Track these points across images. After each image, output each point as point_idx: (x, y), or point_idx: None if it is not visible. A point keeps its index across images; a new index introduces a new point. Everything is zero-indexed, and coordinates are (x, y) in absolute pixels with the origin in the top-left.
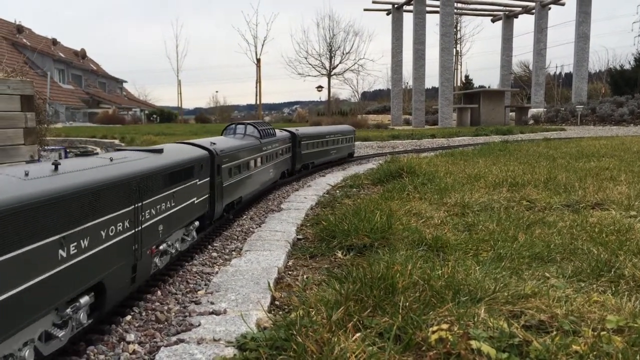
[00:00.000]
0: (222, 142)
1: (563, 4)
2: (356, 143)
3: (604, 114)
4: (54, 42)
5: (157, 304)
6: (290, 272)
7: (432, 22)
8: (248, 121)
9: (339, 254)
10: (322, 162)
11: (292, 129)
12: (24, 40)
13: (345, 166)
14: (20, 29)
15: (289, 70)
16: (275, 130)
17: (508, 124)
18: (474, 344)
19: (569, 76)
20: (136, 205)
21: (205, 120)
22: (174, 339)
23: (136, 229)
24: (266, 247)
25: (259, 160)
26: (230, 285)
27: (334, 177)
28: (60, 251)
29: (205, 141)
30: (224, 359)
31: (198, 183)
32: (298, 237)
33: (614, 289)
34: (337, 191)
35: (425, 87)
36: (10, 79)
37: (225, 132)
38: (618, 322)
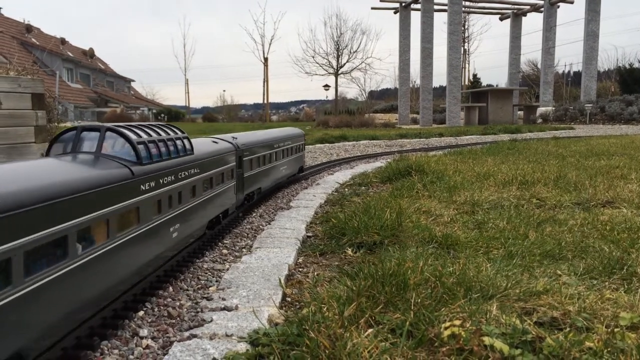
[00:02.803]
0: None
1: (572, 2)
2: (363, 142)
3: (613, 113)
4: (63, 41)
5: (169, 299)
6: (300, 269)
7: (440, 21)
8: (110, 124)
9: (349, 251)
10: (270, 186)
11: (228, 137)
12: (33, 39)
13: (352, 164)
14: (29, 28)
15: (296, 69)
16: (203, 139)
17: (516, 123)
18: (486, 340)
19: (577, 75)
20: None
21: (213, 119)
22: (186, 334)
23: None
24: (276, 245)
25: (129, 219)
26: (241, 281)
27: (343, 176)
28: None
29: None
30: (237, 354)
31: None
32: (308, 234)
33: (626, 286)
34: (346, 189)
35: (433, 86)
36: (21, 77)
37: (58, 145)
38: (632, 319)
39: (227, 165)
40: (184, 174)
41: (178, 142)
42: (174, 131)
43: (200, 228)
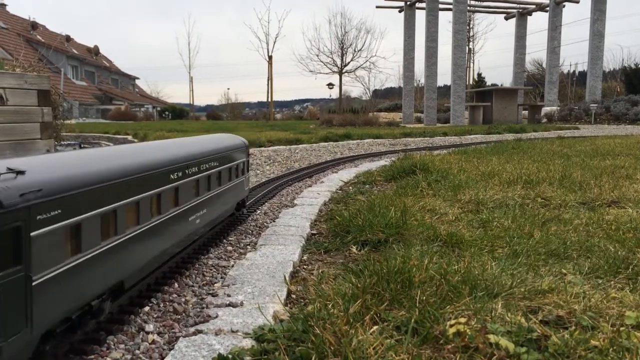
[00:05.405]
0: None
1: (577, 2)
2: (368, 141)
3: (618, 113)
4: (68, 38)
5: (175, 295)
6: (305, 267)
7: (445, 20)
8: None
9: (354, 249)
10: (165, 260)
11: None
12: (38, 36)
13: (357, 163)
14: (34, 25)
15: (300, 67)
16: None
17: (521, 123)
18: (491, 337)
19: (583, 74)
20: None
21: (217, 117)
22: (192, 329)
23: None
24: (281, 242)
25: None
26: (246, 278)
27: (347, 174)
28: None
29: None
30: (242, 350)
31: None
32: (312, 232)
33: (631, 285)
34: (350, 187)
35: (438, 85)
36: (27, 74)
37: None
38: (637, 318)
39: None
40: None
41: None
42: None
43: None
